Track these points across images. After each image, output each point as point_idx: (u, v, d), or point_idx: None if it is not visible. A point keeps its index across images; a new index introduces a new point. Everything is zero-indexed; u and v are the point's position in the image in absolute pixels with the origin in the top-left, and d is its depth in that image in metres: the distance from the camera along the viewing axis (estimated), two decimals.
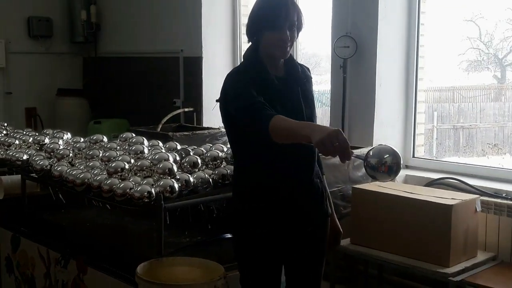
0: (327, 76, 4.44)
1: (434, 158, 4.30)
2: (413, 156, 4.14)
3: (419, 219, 3.19)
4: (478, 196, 3.34)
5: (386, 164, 1.83)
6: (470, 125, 7.79)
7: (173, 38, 5.48)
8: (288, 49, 2.19)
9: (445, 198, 3.20)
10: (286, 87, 2.21)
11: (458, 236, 3.12)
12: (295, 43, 2.39)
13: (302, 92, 2.24)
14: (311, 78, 2.34)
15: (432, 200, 3.19)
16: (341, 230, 2.45)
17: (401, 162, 1.88)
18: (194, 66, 5.29)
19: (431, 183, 3.73)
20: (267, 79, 2.17)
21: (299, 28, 2.21)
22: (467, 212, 3.20)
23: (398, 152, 1.91)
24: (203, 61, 5.23)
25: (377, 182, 3.64)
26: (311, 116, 2.25)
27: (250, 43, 2.24)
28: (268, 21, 2.13)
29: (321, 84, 7.71)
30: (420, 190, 3.42)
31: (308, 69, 2.35)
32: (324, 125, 2.14)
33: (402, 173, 3.98)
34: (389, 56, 4.03)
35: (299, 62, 2.38)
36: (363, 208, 3.43)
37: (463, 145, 7.42)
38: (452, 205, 3.09)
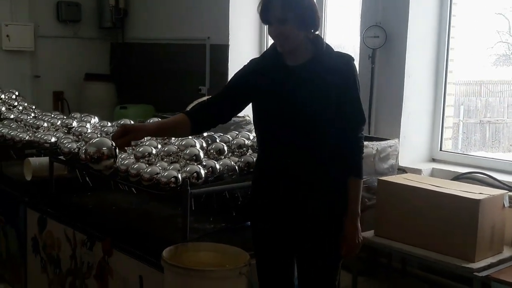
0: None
1: (461, 152, 4.24)
2: (440, 150, 4.09)
3: (445, 213, 3.15)
4: (506, 191, 3.29)
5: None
6: (497, 120, 7.66)
7: (200, 25, 5.48)
8: (282, 43, 2.17)
9: (472, 193, 3.15)
10: (291, 76, 2.19)
11: (484, 231, 3.08)
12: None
13: (315, 84, 2.16)
14: (348, 72, 2.19)
15: (460, 194, 3.14)
16: (351, 240, 2.26)
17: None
18: (220, 53, 5.29)
19: (458, 177, 3.68)
20: (269, 66, 2.25)
21: (292, 21, 2.13)
22: (494, 207, 3.15)
23: None
24: (229, 48, 5.22)
25: (404, 175, 3.61)
26: (310, 109, 2.16)
27: None
28: (260, 17, 2.21)
29: None
30: (447, 184, 3.37)
31: (347, 61, 2.21)
32: None
33: (429, 166, 3.95)
34: (419, 47, 3.97)
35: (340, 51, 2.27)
36: (388, 201, 3.40)
37: (489, 139, 7.31)
38: (479, 199, 3.04)
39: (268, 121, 2.26)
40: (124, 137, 2.14)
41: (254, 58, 2.40)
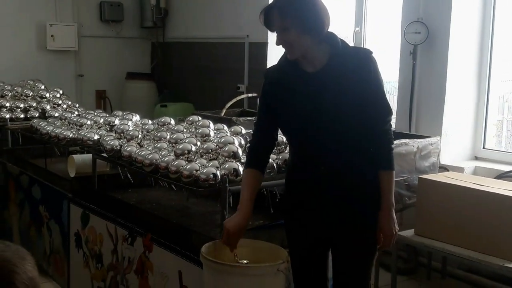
0: (390, 66, 4.33)
1: (505, 150, 4.14)
2: (483, 147, 4.00)
3: (488, 212, 3.08)
4: None
5: None
6: None
7: (239, 24, 5.51)
8: (289, 50, 2.17)
9: None
10: (313, 82, 2.17)
11: None
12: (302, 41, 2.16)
13: (338, 87, 2.13)
14: (367, 66, 2.15)
15: (502, 193, 3.08)
16: (386, 231, 2.23)
17: None
18: (259, 51, 5.30)
19: (501, 176, 3.60)
20: (288, 76, 2.23)
21: (292, 27, 2.09)
22: None
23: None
24: (268, 46, 5.23)
25: (446, 173, 3.55)
26: (336, 113, 2.13)
27: None
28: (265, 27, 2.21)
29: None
30: (490, 182, 3.30)
31: (364, 56, 2.18)
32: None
33: (472, 164, 3.87)
34: (463, 44, 3.90)
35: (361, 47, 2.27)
36: (429, 199, 3.35)
37: None
38: None
39: (296, 130, 2.25)
40: (231, 242, 2.25)
41: (269, 68, 2.36)
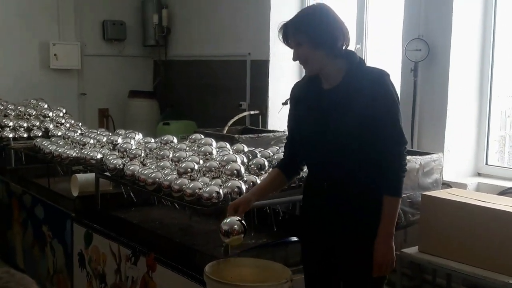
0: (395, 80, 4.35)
1: (508, 166, 4.13)
2: (486, 164, 4.00)
3: (491, 228, 3.07)
4: None
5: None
6: None
7: (241, 42, 5.54)
8: (304, 66, 2.23)
9: None
10: (324, 100, 2.21)
11: None
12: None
13: (347, 107, 2.14)
14: (380, 89, 2.13)
15: (506, 210, 3.07)
16: (379, 260, 2.19)
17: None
18: (261, 69, 5.33)
19: (504, 192, 3.59)
20: (308, 91, 2.29)
21: (306, 43, 2.15)
22: None
23: None
24: (269, 64, 5.26)
25: (448, 190, 3.55)
26: (346, 131, 2.14)
27: None
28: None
29: None
30: (493, 199, 3.29)
31: (378, 78, 2.16)
32: None
33: (475, 180, 3.87)
34: (463, 60, 3.92)
35: (375, 68, 2.24)
36: (432, 216, 3.33)
37: None
38: None
39: (304, 147, 2.30)
40: (236, 214, 2.30)
41: (298, 82, 2.42)
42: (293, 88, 2.41)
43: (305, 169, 2.46)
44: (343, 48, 2.19)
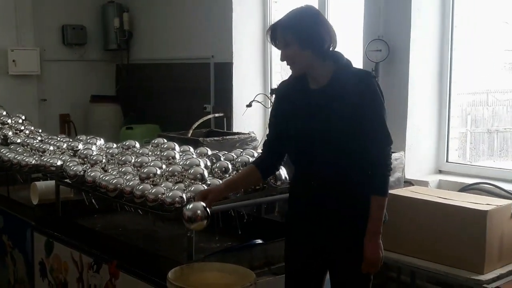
0: None
1: (468, 163, 4.22)
2: (447, 161, 4.07)
3: (453, 225, 3.13)
4: None
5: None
6: (505, 129, 7.61)
7: (204, 44, 5.52)
8: (291, 66, 2.26)
9: (479, 204, 3.13)
10: (311, 100, 2.24)
11: (493, 242, 3.05)
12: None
13: (333, 108, 2.17)
14: (367, 90, 2.17)
15: (467, 206, 3.13)
16: (369, 257, 2.23)
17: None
18: (224, 71, 5.32)
19: (465, 188, 3.66)
20: (294, 90, 2.31)
21: (294, 43, 2.18)
22: (502, 218, 3.12)
23: None
24: (233, 66, 5.25)
25: (411, 188, 3.60)
26: (327, 130, 2.18)
27: None
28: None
29: None
30: (454, 196, 3.35)
31: (364, 79, 2.20)
32: None
33: (436, 178, 3.93)
34: (423, 59, 3.98)
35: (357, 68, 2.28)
36: (395, 214, 3.35)
37: (497, 149, 7.26)
38: (487, 210, 3.02)
39: (292, 145, 2.33)
40: (205, 201, 2.29)
41: (284, 80, 2.43)
42: (278, 87, 2.44)
43: (282, 168, 2.52)
44: (330, 49, 2.23)
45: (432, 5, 3.98)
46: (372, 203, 2.21)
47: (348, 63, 2.26)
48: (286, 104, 2.34)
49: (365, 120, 2.16)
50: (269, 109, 5.11)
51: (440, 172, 4.05)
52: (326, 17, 2.28)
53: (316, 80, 2.25)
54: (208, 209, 2.28)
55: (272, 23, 2.30)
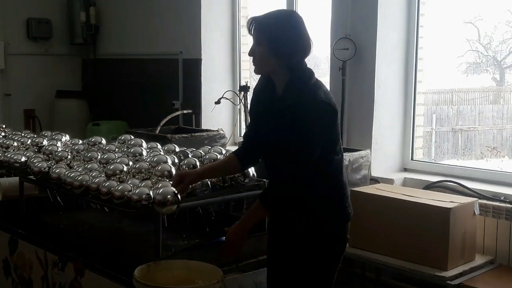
0: (326, 78, 4.44)
1: (433, 161, 4.30)
2: (412, 159, 4.14)
3: (417, 222, 3.19)
4: (476, 199, 3.34)
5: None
6: (469, 128, 7.78)
7: (172, 40, 5.48)
8: (254, 64, 2.27)
9: (443, 201, 3.20)
10: (270, 106, 2.28)
11: (456, 239, 3.12)
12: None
13: (274, 117, 2.24)
14: (288, 111, 2.16)
15: (430, 203, 3.19)
16: (232, 236, 2.34)
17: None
18: (193, 68, 5.29)
19: (429, 186, 3.73)
20: (264, 91, 2.35)
21: (264, 44, 2.19)
22: (465, 215, 3.20)
23: None
24: (202, 63, 5.23)
25: (376, 185, 3.65)
26: (266, 140, 2.30)
27: None
28: None
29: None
30: (419, 193, 3.42)
31: (308, 101, 2.16)
32: None
33: (401, 176, 3.99)
34: (389, 59, 4.03)
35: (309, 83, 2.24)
36: (361, 211, 3.40)
37: (461, 147, 7.42)
38: (450, 208, 3.09)
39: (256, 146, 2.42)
40: (182, 184, 2.34)
41: (259, 79, 2.44)
42: (257, 83, 2.44)
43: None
44: (300, 60, 2.24)
45: (398, 4, 4.04)
46: (256, 203, 2.29)
47: (304, 77, 2.22)
48: (257, 99, 2.40)
49: (285, 136, 2.17)
50: (238, 106, 5.13)
51: (405, 170, 4.12)
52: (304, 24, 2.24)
53: (278, 86, 2.29)
54: (179, 195, 2.31)
55: (255, 15, 2.28)
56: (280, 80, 2.26)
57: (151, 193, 2.51)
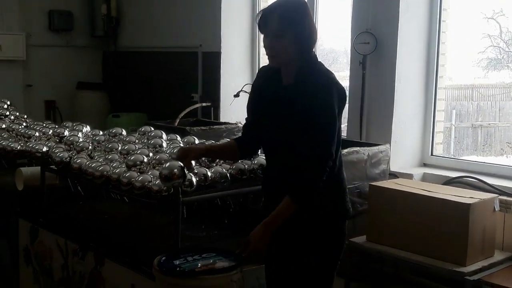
0: (344, 73, 4.42)
1: (452, 157, 4.26)
2: (431, 154, 4.11)
3: (437, 217, 3.16)
4: (496, 195, 3.31)
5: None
6: (489, 124, 7.70)
7: (192, 33, 5.50)
8: (273, 56, 2.20)
9: (463, 197, 3.17)
10: (279, 96, 2.23)
11: (475, 235, 3.10)
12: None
13: (294, 105, 2.16)
14: (314, 95, 2.12)
15: (450, 199, 3.17)
16: (253, 238, 2.18)
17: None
18: (212, 61, 5.30)
19: (449, 182, 3.70)
20: (268, 82, 2.31)
21: (287, 37, 2.14)
22: (485, 211, 3.17)
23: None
24: (221, 56, 5.24)
25: (395, 180, 3.63)
26: (276, 134, 2.23)
27: None
28: (258, 26, 2.26)
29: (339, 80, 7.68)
30: (438, 189, 3.39)
31: (320, 83, 2.14)
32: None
33: (420, 171, 3.97)
34: (410, 53, 4.00)
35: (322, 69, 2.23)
36: (380, 206, 3.41)
37: (481, 143, 7.35)
38: (470, 203, 3.06)
39: (263, 136, 2.35)
40: (186, 159, 2.33)
41: (264, 67, 2.40)
42: (259, 71, 2.43)
43: (261, 152, 2.52)
44: (312, 48, 2.24)
45: None
46: (284, 200, 2.15)
47: (317, 67, 2.21)
48: (260, 94, 2.35)
49: (301, 125, 2.13)
50: None
51: (425, 165, 4.09)
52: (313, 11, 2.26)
53: (286, 76, 2.25)
54: (185, 169, 2.33)
55: (265, 7, 2.25)
56: (290, 69, 2.22)
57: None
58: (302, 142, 2.12)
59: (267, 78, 2.33)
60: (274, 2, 2.24)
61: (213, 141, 2.86)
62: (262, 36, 2.26)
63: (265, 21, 2.19)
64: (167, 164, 2.34)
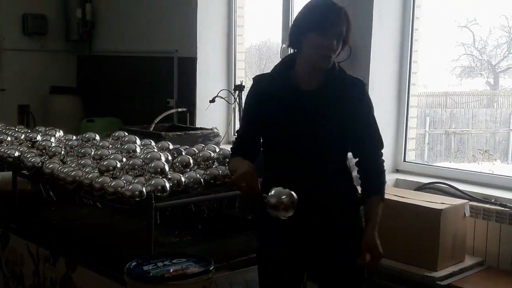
0: None
1: (425, 163, 4.32)
2: (404, 160, 4.16)
3: (408, 223, 3.21)
4: (467, 201, 3.37)
5: (283, 204, 2.03)
6: (462, 131, 7.83)
7: (168, 38, 5.49)
8: (328, 58, 2.12)
9: (434, 203, 3.22)
10: (306, 101, 2.16)
11: (446, 240, 3.15)
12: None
13: (335, 109, 2.15)
14: (363, 96, 2.21)
15: (422, 204, 3.21)
16: (376, 249, 2.23)
17: (296, 201, 2.04)
18: (188, 66, 5.30)
19: (421, 188, 3.75)
20: (281, 90, 2.19)
21: (345, 43, 2.15)
22: (456, 217, 3.22)
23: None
24: (197, 61, 5.24)
25: None
26: (329, 136, 2.17)
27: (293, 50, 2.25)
28: (315, 22, 2.10)
29: None
30: (410, 194, 3.44)
31: (360, 84, 2.23)
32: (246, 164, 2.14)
33: (393, 177, 4.01)
34: (383, 61, 4.05)
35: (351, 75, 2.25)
36: None
37: (454, 150, 7.46)
38: (441, 209, 3.11)
39: (278, 147, 2.25)
40: (254, 185, 2.10)
41: (261, 77, 2.29)
42: (259, 82, 2.27)
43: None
44: None
45: (393, 7, 4.06)
46: (372, 202, 2.25)
47: (341, 69, 2.24)
48: (270, 102, 2.19)
49: (359, 124, 2.19)
50: (232, 105, 5.14)
51: (397, 171, 4.14)
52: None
53: (311, 81, 2.17)
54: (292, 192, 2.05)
55: (331, 5, 2.13)
56: (320, 73, 2.17)
57: (143, 189, 2.52)
58: (362, 140, 2.23)
59: (273, 86, 2.21)
60: (333, 3, 2.14)
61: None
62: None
63: (334, 23, 2.10)
64: (273, 192, 2.06)
